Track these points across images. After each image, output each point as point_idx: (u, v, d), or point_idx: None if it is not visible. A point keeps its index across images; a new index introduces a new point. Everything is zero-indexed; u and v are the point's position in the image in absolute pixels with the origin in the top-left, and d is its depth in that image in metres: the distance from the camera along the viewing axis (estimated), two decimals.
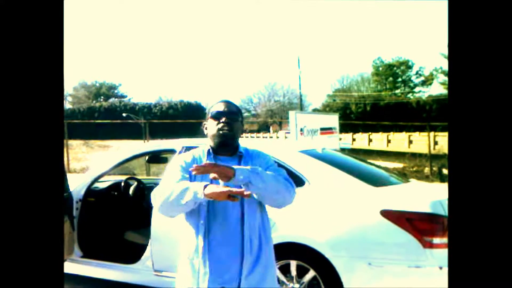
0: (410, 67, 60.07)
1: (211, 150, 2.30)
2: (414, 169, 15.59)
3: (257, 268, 2.19)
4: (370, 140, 32.63)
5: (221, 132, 2.25)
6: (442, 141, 21.73)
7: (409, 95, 59.08)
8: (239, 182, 2.01)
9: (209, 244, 2.17)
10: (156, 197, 2.18)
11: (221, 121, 2.26)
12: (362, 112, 51.77)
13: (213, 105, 2.35)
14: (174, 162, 2.34)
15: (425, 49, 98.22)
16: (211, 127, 2.30)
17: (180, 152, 3.83)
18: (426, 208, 3.18)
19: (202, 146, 2.38)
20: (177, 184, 2.13)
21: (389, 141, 30.30)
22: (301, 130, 8.80)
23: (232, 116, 2.29)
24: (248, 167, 2.09)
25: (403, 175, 6.55)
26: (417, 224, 3.14)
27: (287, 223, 3.43)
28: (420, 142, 24.43)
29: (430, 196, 3.45)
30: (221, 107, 2.31)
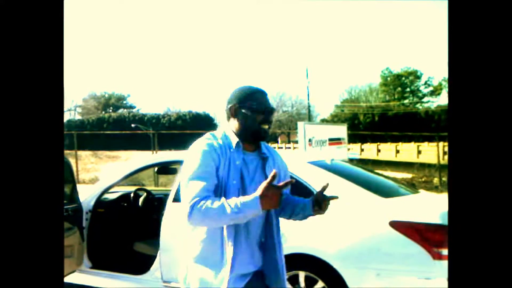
0: (418, 77, 59.98)
1: (240, 144, 2.11)
2: (423, 179, 15.56)
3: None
4: (378, 151, 32.52)
5: (261, 129, 2.10)
6: None
7: (418, 105, 58.96)
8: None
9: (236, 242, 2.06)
10: (197, 213, 1.91)
11: (264, 117, 2.10)
12: (371, 123, 51.71)
13: (249, 93, 2.13)
14: (199, 154, 2.03)
15: (434, 59, 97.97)
16: (247, 119, 2.10)
17: None
18: (435, 219, 3.17)
19: (220, 131, 2.16)
20: (219, 208, 1.90)
21: (397, 152, 30.17)
22: (310, 140, 8.80)
23: (273, 111, 2.16)
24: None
25: (412, 186, 6.52)
26: (427, 235, 3.13)
27: (296, 234, 3.43)
28: (429, 152, 24.31)
29: (440, 207, 3.44)
30: (261, 100, 2.12)
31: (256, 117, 2.09)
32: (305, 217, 2.22)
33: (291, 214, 2.25)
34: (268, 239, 2.17)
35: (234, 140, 2.10)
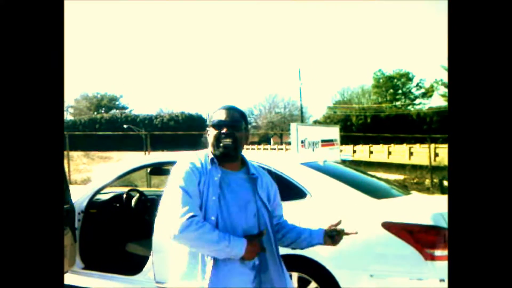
0: (410, 79, 60.30)
1: (215, 160, 2.12)
2: (415, 181, 15.61)
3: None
4: (370, 152, 32.65)
5: (221, 144, 2.09)
6: (442, 153, 21.74)
7: (410, 107, 59.23)
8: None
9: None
10: (193, 231, 1.93)
11: (222, 131, 2.10)
12: (363, 124, 51.83)
13: (215, 112, 2.17)
14: (182, 171, 2.08)
15: (426, 61, 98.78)
16: (211, 136, 2.13)
17: None
18: (427, 221, 3.18)
19: (205, 150, 2.21)
20: (214, 235, 1.95)
21: (389, 153, 30.30)
22: (302, 142, 8.79)
23: (235, 124, 2.12)
24: None
25: (404, 187, 6.55)
26: (419, 236, 3.15)
27: None
28: (421, 154, 24.46)
29: (432, 208, 3.46)
30: (222, 115, 2.13)
31: (215, 133, 2.13)
32: (311, 246, 2.32)
33: (291, 242, 2.33)
34: (268, 263, 2.14)
35: (210, 157, 2.14)
